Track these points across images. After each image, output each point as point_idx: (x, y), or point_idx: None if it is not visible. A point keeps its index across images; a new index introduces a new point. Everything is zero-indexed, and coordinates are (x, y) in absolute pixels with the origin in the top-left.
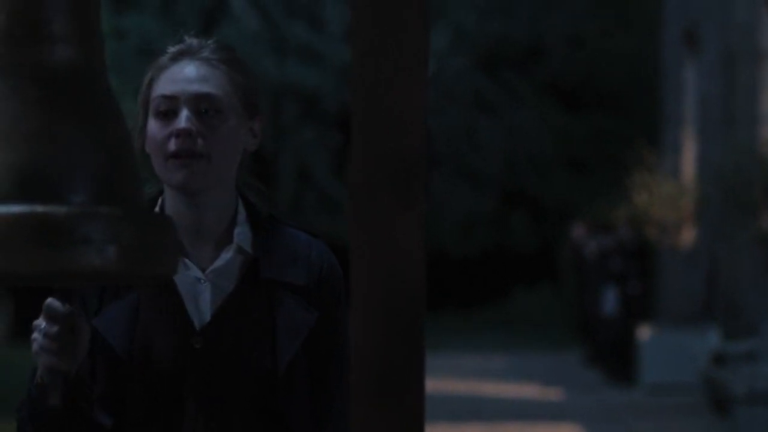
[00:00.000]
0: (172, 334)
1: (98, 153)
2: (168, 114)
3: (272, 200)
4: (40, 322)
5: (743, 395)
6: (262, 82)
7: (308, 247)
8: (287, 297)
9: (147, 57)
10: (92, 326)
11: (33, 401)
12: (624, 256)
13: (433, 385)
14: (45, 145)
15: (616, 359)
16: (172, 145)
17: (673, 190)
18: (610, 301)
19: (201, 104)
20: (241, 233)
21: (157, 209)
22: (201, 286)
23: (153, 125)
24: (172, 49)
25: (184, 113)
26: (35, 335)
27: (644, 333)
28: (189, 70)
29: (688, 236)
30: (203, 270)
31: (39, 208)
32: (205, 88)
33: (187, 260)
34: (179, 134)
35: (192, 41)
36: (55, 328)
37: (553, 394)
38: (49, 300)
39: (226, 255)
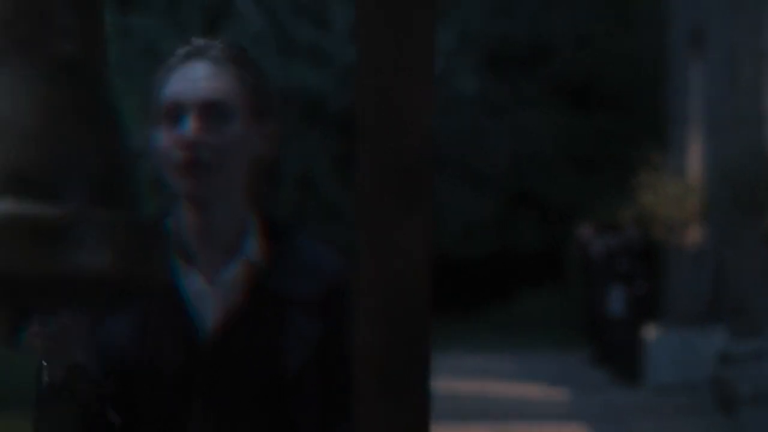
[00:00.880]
0: (180, 342)
1: (94, 154)
2: (175, 119)
3: (283, 207)
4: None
5: (750, 395)
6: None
7: (320, 257)
8: (295, 307)
9: (152, 57)
10: (99, 332)
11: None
12: (630, 257)
13: (439, 385)
14: (41, 144)
15: (622, 359)
16: (177, 155)
17: (679, 190)
18: (616, 301)
19: (208, 110)
20: (251, 243)
21: (171, 215)
22: (209, 294)
23: (160, 130)
24: (179, 51)
25: (190, 120)
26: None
27: (651, 333)
28: (196, 72)
29: (694, 236)
30: (212, 278)
31: (31, 209)
32: (212, 93)
33: (195, 268)
34: (184, 145)
35: (200, 41)
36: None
37: (559, 394)
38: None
39: (235, 264)
